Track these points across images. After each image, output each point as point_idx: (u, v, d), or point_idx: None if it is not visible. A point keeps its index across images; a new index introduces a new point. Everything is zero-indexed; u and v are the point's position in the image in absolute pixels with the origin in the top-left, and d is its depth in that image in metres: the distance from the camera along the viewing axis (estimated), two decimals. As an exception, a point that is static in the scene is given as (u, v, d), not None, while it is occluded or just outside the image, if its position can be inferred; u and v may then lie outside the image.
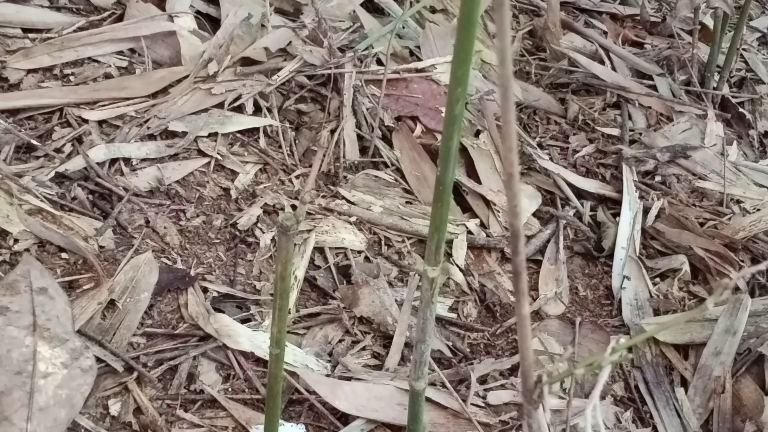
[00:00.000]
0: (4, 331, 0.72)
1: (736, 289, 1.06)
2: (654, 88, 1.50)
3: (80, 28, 1.13)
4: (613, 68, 1.52)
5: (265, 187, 1.04)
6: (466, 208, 1.14)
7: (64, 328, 0.75)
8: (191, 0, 1.23)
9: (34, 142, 0.96)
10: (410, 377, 0.57)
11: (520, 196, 0.26)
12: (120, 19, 1.18)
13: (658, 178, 1.26)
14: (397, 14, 1.37)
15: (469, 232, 1.08)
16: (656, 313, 1.03)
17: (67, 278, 0.83)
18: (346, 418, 0.81)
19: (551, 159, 1.27)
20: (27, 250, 0.84)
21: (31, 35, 1.10)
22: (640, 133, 1.36)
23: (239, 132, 1.09)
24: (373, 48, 1.25)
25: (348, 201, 1.06)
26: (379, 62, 1.25)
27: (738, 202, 1.25)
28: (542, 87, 1.45)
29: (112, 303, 0.83)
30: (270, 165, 1.08)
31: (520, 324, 0.31)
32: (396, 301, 0.94)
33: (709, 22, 1.67)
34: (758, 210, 1.23)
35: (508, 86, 0.23)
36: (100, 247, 0.88)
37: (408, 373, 0.82)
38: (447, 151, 0.38)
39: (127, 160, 0.99)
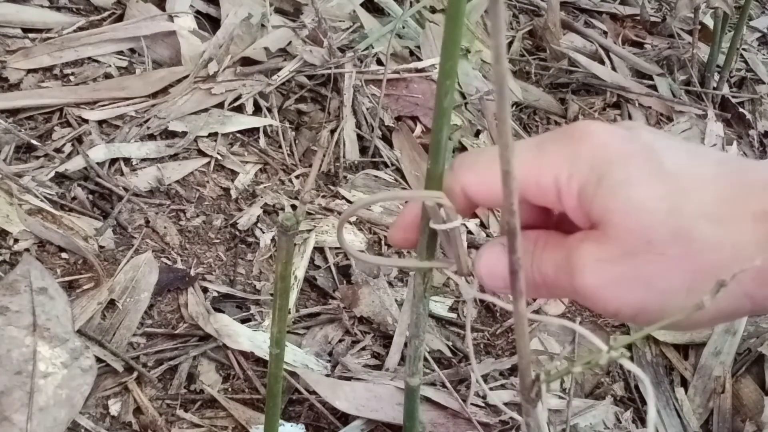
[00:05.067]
0: (4, 331, 0.72)
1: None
2: (654, 88, 1.50)
3: (80, 28, 1.13)
4: (613, 68, 1.52)
5: (265, 187, 1.04)
6: (466, 208, 1.14)
7: (64, 328, 0.75)
8: (191, 0, 1.23)
9: (34, 142, 0.96)
10: (405, 373, 0.57)
11: (517, 193, 0.26)
12: (120, 19, 1.18)
13: (658, 178, 1.26)
14: (397, 14, 1.37)
15: (469, 232, 1.08)
16: (656, 312, 1.02)
17: (67, 278, 0.84)
18: (346, 418, 0.81)
19: (551, 159, 1.27)
20: (27, 250, 0.84)
21: (31, 35, 1.10)
22: (640, 133, 1.36)
23: (239, 132, 1.09)
24: (373, 48, 1.25)
25: (348, 201, 1.06)
26: (379, 62, 1.25)
27: (738, 201, 1.25)
28: (542, 87, 1.45)
29: (112, 303, 0.83)
30: (270, 165, 1.08)
31: (518, 322, 0.31)
32: (396, 301, 0.94)
33: (709, 22, 1.67)
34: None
35: (503, 83, 0.23)
36: (100, 247, 0.88)
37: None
38: (437, 144, 0.38)
39: (127, 160, 0.99)
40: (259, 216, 0.99)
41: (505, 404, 0.85)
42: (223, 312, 0.86)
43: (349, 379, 0.83)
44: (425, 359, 0.88)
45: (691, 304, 0.35)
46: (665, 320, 0.32)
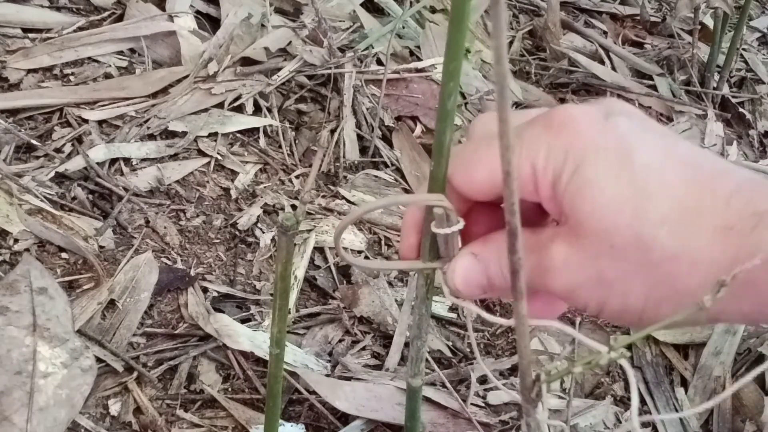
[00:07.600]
0: (4, 331, 0.72)
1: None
2: (654, 88, 1.50)
3: (80, 28, 1.13)
4: (613, 68, 1.52)
5: (265, 187, 1.04)
6: (466, 208, 1.13)
7: (64, 328, 0.75)
8: (191, 0, 1.23)
9: (34, 142, 0.96)
10: (407, 374, 0.57)
11: (517, 193, 0.26)
12: (120, 19, 1.18)
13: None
14: (397, 14, 1.37)
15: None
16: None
17: (67, 278, 0.84)
18: (346, 418, 0.81)
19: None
20: (27, 250, 0.84)
21: (31, 35, 1.10)
22: (640, 133, 1.36)
23: (239, 132, 1.09)
24: (373, 48, 1.25)
25: (348, 201, 1.06)
26: (379, 62, 1.25)
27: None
28: (542, 87, 1.45)
29: (112, 303, 0.83)
30: (270, 165, 1.08)
31: (518, 323, 0.31)
32: (396, 301, 0.94)
33: (709, 22, 1.67)
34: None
35: (503, 84, 0.23)
36: (100, 247, 0.88)
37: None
38: (440, 146, 0.38)
39: (127, 160, 0.99)
40: (259, 216, 0.99)
41: (505, 404, 0.85)
42: (223, 312, 0.86)
43: (349, 379, 0.83)
44: (425, 359, 0.88)
45: (648, 309, 0.36)
46: (657, 324, 0.32)
